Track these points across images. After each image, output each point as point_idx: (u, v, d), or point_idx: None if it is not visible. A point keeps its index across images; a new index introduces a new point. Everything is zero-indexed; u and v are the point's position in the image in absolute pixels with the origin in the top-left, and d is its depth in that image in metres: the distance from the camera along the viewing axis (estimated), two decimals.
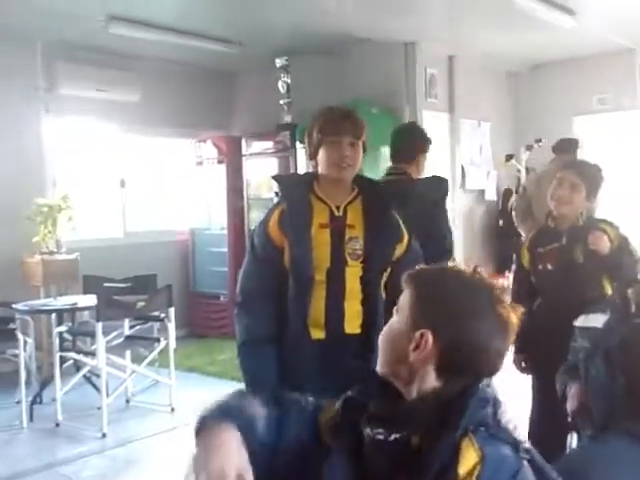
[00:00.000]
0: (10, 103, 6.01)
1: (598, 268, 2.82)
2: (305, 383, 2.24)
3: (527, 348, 2.97)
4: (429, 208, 3.22)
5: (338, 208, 2.37)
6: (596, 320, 2.35)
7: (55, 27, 5.81)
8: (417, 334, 1.30)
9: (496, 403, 1.29)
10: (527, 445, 1.26)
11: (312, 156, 2.42)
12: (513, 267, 3.29)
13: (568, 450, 2.33)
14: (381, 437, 1.29)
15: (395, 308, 1.40)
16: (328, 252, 2.32)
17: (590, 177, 2.95)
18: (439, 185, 3.46)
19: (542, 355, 2.81)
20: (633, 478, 1.81)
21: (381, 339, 1.40)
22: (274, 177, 2.63)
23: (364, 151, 2.40)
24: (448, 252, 3.21)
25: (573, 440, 2.32)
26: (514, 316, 1.32)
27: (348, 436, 1.35)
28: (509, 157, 7.13)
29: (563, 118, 7.44)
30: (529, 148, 7.00)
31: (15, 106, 6.06)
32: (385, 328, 1.41)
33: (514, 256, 3.24)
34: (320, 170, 2.39)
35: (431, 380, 1.31)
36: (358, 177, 2.43)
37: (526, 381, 3.16)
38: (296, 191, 2.40)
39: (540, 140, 6.92)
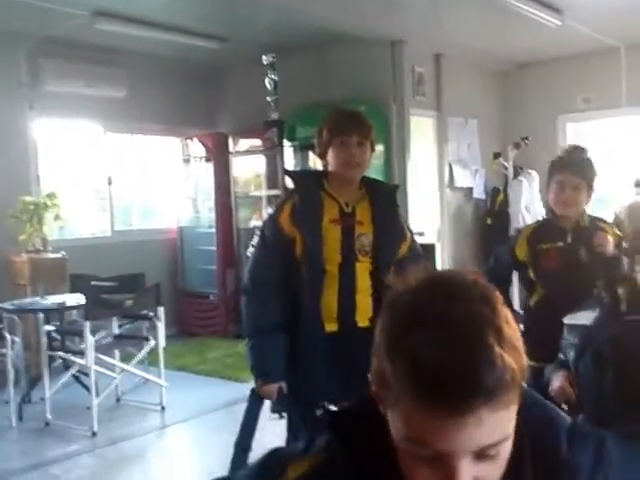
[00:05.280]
0: None
1: (600, 267, 2.83)
2: (317, 374, 2.34)
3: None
4: None
5: (347, 205, 2.46)
6: (585, 317, 2.36)
7: (39, 23, 5.72)
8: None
9: None
10: None
11: (322, 155, 2.50)
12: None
13: None
14: None
15: None
16: (339, 247, 2.41)
17: (589, 174, 2.96)
18: None
19: (540, 350, 2.81)
20: (620, 476, 1.83)
21: None
22: (286, 172, 2.70)
23: (372, 150, 2.49)
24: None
25: None
26: None
27: None
28: (497, 155, 7.15)
29: (548, 117, 7.49)
30: (517, 146, 7.02)
31: None
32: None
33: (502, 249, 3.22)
34: (329, 168, 2.48)
35: None
36: (365, 178, 2.53)
37: None
38: (308, 186, 2.49)
39: (527, 138, 6.95)
